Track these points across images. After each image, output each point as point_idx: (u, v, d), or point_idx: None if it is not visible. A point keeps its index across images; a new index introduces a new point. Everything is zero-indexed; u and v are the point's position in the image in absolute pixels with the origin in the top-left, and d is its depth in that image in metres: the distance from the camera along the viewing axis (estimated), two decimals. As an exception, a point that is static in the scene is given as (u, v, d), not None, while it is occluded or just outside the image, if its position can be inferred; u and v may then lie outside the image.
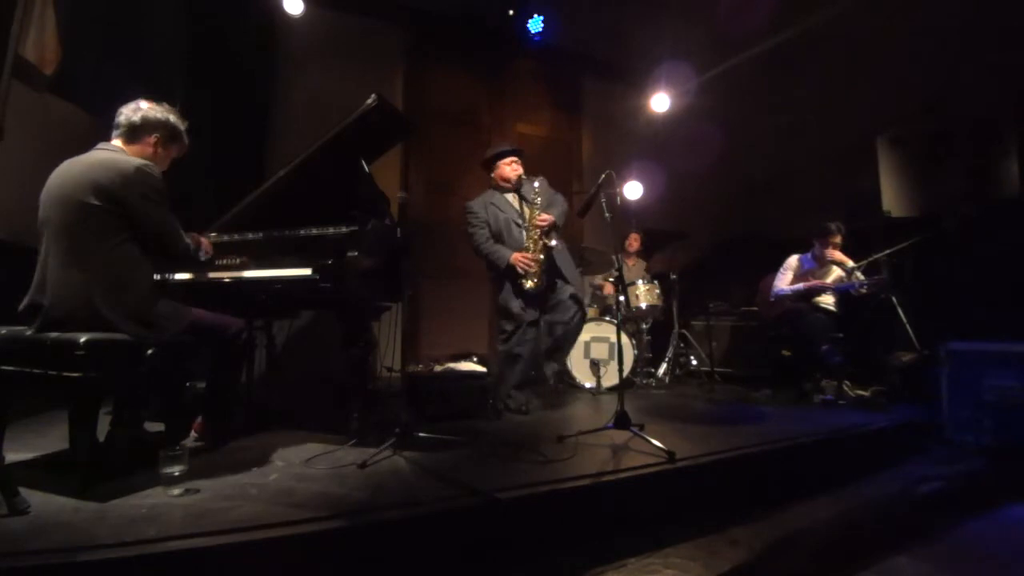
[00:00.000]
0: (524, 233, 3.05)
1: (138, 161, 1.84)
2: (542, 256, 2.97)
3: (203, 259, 2.11)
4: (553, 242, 3.00)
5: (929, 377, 3.27)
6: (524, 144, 5.12)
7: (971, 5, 4.01)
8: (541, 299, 3.07)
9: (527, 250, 2.99)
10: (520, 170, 3.15)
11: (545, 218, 2.98)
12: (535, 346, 3.10)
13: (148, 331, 1.80)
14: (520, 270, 2.96)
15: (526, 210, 3.11)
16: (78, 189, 1.77)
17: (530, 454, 2.12)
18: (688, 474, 2.05)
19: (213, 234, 2.32)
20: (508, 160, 3.17)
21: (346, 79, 4.15)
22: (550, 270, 3.04)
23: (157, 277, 1.97)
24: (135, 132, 1.92)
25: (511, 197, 3.20)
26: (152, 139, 1.93)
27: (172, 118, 1.97)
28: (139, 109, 1.92)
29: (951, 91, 4.12)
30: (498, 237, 3.12)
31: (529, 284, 2.95)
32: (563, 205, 3.17)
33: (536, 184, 3.04)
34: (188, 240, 1.96)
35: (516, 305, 3.02)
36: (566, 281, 3.14)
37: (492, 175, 3.24)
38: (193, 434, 2.11)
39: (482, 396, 2.93)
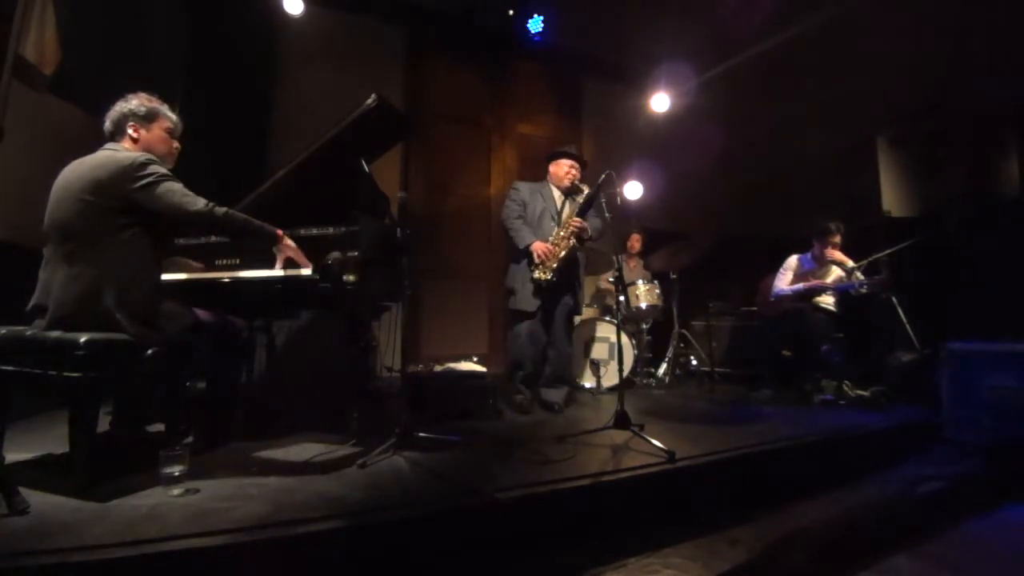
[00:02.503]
0: (555, 228, 3.09)
1: (135, 154, 1.85)
2: (563, 254, 2.99)
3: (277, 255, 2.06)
4: (576, 244, 3.03)
5: (929, 377, 3.28)
6: (525, 144, 5.15)
7: (971, 5, 4.01)
8: (548, 296, 3.07)
9: (551, 243, 3.02)
10: (576, 176, 3.22)
11: (578, 222, 3.01)
12: (543, 347, 3.12)
13: (150, 331, 1.80)
14: (536, 258, 2.98)
15: (566, 209, 3.16)
16: (82, 188, 1.78)
17: (530, 454, 2.13)
18: (688, 474, 2.05)
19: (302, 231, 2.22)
20: (568, 162, 3.25)
21: (346, 79, 4.15)
22: (564, 274, 3.04)
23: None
24: (113, 135, 1.95)
25: (557, 193, 3.27)
26: (129, 128, 1.93)
27: (135, 101, 1.95)
28: (108, 114, 1.95)
29: (951, 91, 4.12)
30: (530, 224, 3.16)
31: (538, 274, 2.96)
32: (600, 223, 3.18)
33: (587, 195, 3.09)
34: (203, 204, 1.86)
35: (522, 288, 3.05)
36: (574, 297, 3.18)
37: (550, 169, 3.33)
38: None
39: (482, 396, 2.93)
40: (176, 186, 1.86)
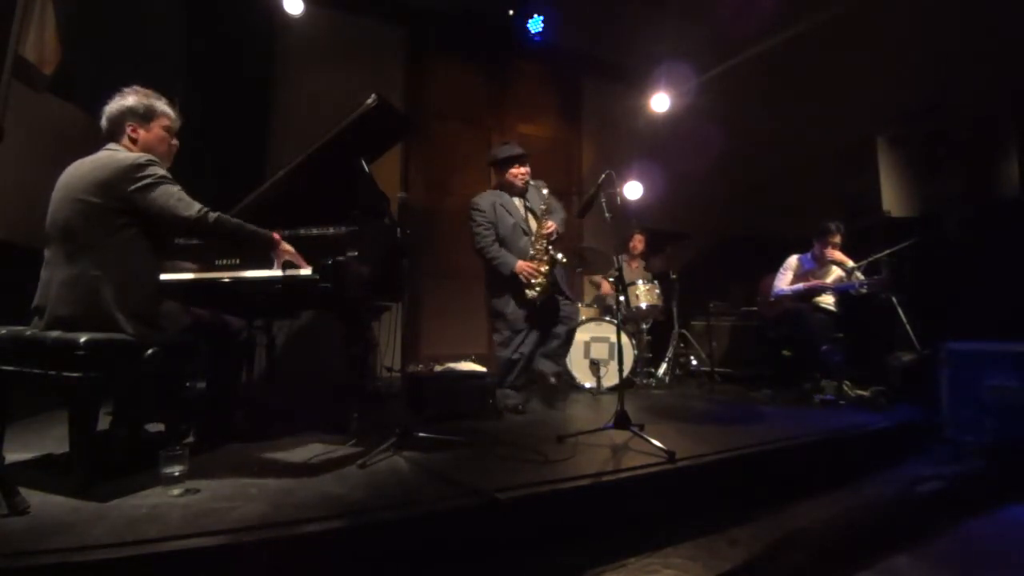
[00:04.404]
0: (530, 243, 3.04)
1: (134, 155, 1.85)
2: (546, 268, 2.96)
3: (277, 261, 2.04)
4: (559, 255, 3.00)
5: (929, 377, 3.27)
6: (525, 144, 5.06)
7: (971, 5, 4.01)
8: (539, 309, 3.04)
9: (532, 259, 2.98)
10: (527, 175, 3.16)
11: (550, 226, 2.98)
12: (533, 349, 3.10)
13: (151, 331, 1.80)
14: (524, 279, 2.95)
15: (531, 219, 3.12)
16: (82, 189, 1.78)
17: (530, 454, 2.12)
18: (688, 474, 2.05)
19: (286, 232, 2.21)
20: (517, 165, 3.18)
21: (346, 79, 4.15)
22: (554, 284, 3.02)
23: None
24: (112, 133, 1.93)
25: (518, 201, 3.21)
26: (128, 128, 1.91)
27: (132, 99, 1.92)
28: (105, 111, 1.92)
29: (951, 91, 4.12)
30: (503, 242, 3.10)
31: (532, 294, 2.94)
32: (562, 212, 3.17)
33: (545, 192, 3.06)
34: (196, 210, 1.84)
35: (512, 311, 3.02)
36: (567, 297, 3.16)
37: (500, 176, 3.25)
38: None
39: (482, 396, 2.93)
40: (173, 189, 1.84)
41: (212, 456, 2.03)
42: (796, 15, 4.59)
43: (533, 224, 3.11)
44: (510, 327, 3.03)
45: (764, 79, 5.16)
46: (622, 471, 1.96)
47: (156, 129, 1.96)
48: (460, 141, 4.99)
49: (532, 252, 3.00)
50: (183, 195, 1.86)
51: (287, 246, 2.05)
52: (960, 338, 3.17)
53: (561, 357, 3.26)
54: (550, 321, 3.14)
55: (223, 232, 1.93)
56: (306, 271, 2.07)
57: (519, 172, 3.15)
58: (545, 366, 3.18)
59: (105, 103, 1.95)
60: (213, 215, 1.88)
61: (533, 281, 2.94)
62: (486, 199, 3.19)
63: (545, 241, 2.97)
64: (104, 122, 1.93)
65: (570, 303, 3.18)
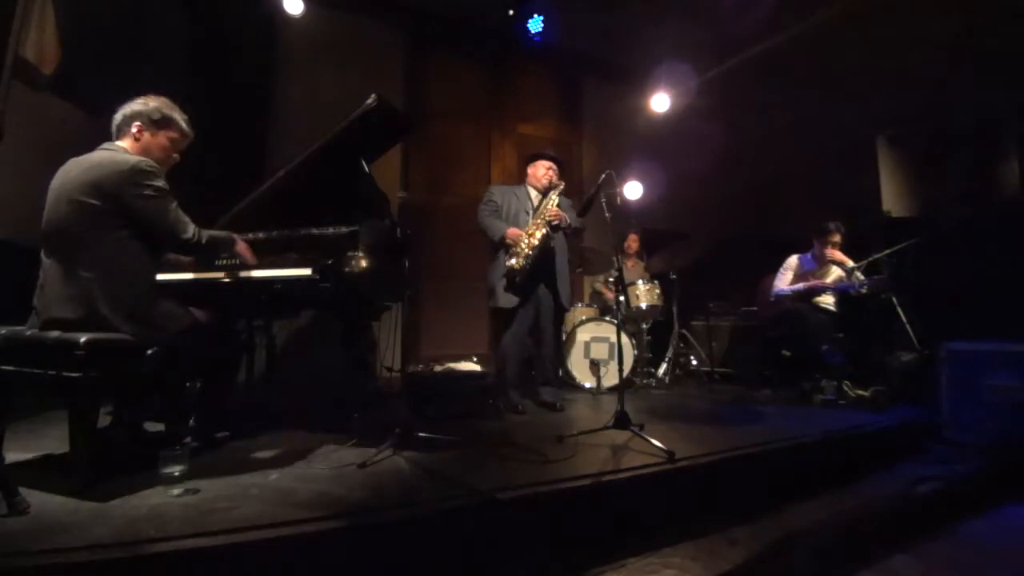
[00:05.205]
0: (529, 219, 3.08)
1: (134, 158, 1.85)
2: (536, 243, 2.96)
3: (244, 263, 2.09)
4: (549, 228, 3.00)
5: (929, 377, 3.27)
6: (525, 144, 5.15)
7: (971, 6, 4.01)
8: (528, 293, 3.06)
9: (524, 231, 3.02)
10: (552, 177, 3.20)
11: (558, 212, 3.00)
12: (520, 344, 3.12)
13: (148, 331, 1.80)
14: (510, 241, 2.99)
15: (542, 203, 3.15)
16: (78, 189, 1.78)
17: (530, 454, 2.12)
18: (688, 474, 2.05)
19: (250, 235, 2.28)
20: (546, 164, 3.24)
21: (346, 79, 4.15)
22: (540, 265, 3.00)
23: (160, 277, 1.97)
24: (119, 130, 1.95)
25: (534, 193, 3.27)
26: (134, 128, 1.92)
27: (153, 104, 1.94)
28: (123, 107, 1.95)
29: (951, 92, 4.12)
30: (505, 221, 3.17)
31: (512, 261, 2.94)
32: (576, 218, 3.18)
33: (561, 190, 3.12)
34: (192, 232, 1.91)
35: (500, 286, 3.05)
36: (557, 294, 3.13)
37: (528, 170, 3.34)
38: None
39: (482, 396, 2.94)
40: (172, 206, 1.89)
41: (212, 456, 2.03)
42: (796, 15, 4.58)
43: None
44: (499, 303, 3.06)
45: (764, 79, 5.16)
46: (622, 471, 1.96)
47: (162, 137, 1.98)
48: (460, 141, 4.99)
49: (526, 228, 3.02)
50: (179, 214, 1.91)
51: (242, 245, 2.12)
52: (960, 338, 3.17)
53: (555, 380, 3.29)
54: (539, 326, 3.15)
55: (211, 248, 2.02)
56: (306, 271, 2.07)
57: (544, 174, 3.21)
58: (545, 394, 3.20)
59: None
60: (204, 236, 1.95)
61: (519, 250, 2.94)
62: (501, 187, 3.34)
63: (542, 219, 2.99)
64: (117, 117, 1.95)
65: (553, 337, 3.20)
